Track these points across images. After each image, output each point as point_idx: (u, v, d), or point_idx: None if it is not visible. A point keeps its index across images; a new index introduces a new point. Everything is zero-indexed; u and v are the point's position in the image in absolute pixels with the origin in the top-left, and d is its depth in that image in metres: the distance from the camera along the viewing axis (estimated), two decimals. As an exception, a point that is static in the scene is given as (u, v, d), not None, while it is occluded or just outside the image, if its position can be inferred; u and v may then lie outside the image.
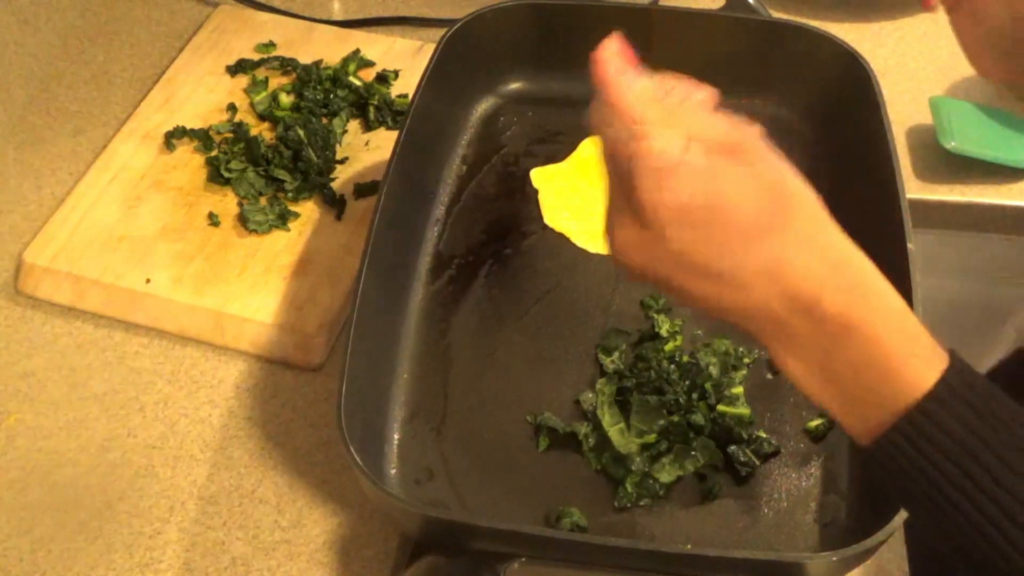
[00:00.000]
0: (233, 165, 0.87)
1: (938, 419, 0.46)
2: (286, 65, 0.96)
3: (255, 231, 0.83)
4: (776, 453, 0.69)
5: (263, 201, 0.86)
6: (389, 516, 0.67)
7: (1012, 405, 0.47)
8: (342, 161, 0.89)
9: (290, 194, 0.86)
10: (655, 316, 0.76)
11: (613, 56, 0.51)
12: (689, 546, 0.64)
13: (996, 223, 0.92)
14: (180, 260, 0.82)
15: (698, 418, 0.70)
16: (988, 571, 0.46)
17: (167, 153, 0.90)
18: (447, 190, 0.84)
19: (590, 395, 0.72)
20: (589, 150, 0.86)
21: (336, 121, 0.91)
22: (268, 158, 0.87)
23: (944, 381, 0.47)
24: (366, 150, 0.90)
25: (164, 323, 0.80)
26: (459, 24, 0.83)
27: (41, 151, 0.92)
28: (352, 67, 0.95)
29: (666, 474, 0.67)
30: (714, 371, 0.72)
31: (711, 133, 0.49)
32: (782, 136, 0.85)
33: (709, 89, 0.51)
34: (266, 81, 0.95)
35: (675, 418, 0.70)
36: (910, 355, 0.47)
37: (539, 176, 0.85)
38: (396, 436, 0.71)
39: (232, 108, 0.93)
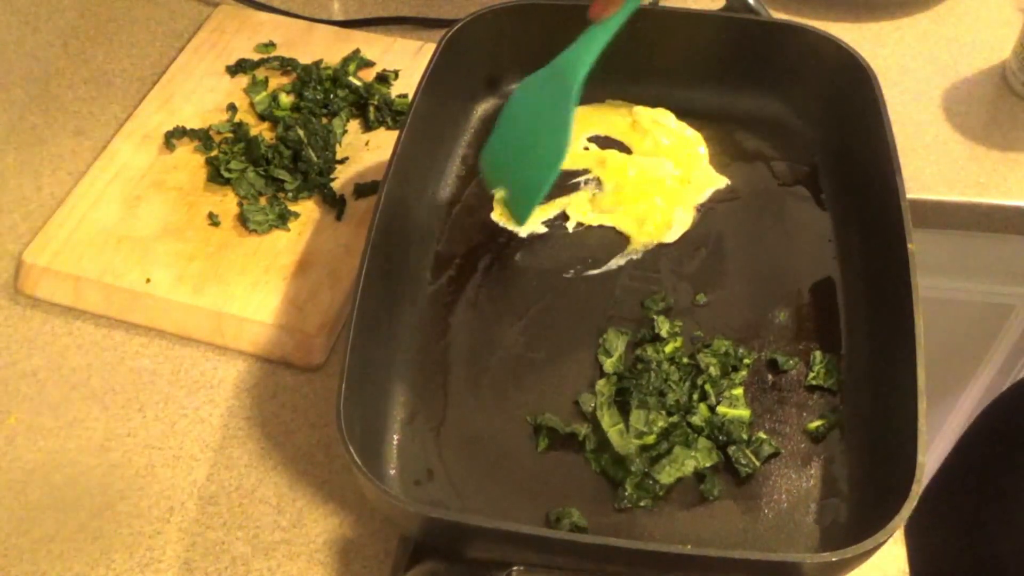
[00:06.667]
0: (233, 165, 0.87)
1: None
2: (286, 65, 0.96)
3: (255, 231, 0.83)
4: (776, 454, 0.69)
5: (263, 201, 0.86)
6: (389, 516, 0.67)
7: None
8: (342, 161, 0.89)
9: (290, 194, 0.86)
10: (655, 317, 0.76)
11: None
12: (689, 547, 0.64)
13: (996, 223, 0.92)
14: (180, 260, 0.82)
15: (698, 419, 0.70)
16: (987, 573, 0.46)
17: (167, 153, 0.90)
18: (447, 190, 0.84)
19: (590, 396, 0.72)
20: None
21: (336, 121, 0.91)
22: (268, 158, 0.87)
23: None
24: (366, 150, 0.90)
25: (164, 323, 0.80)
26: (459, 24, 0.83)
27: (41, 151, 0.92)
28: (352, 67, 0.95)
29: (666, 475, 0.67)
30: (714, 372, 0.72)
31: None
32: (782, 136, 0.88)
33: None
34: (266, 81, 0.95)
35: (675, 419, 0.70)
36: None
37: None
38: (396, 437, 0.71)
39: (232, 108, 0.93)
